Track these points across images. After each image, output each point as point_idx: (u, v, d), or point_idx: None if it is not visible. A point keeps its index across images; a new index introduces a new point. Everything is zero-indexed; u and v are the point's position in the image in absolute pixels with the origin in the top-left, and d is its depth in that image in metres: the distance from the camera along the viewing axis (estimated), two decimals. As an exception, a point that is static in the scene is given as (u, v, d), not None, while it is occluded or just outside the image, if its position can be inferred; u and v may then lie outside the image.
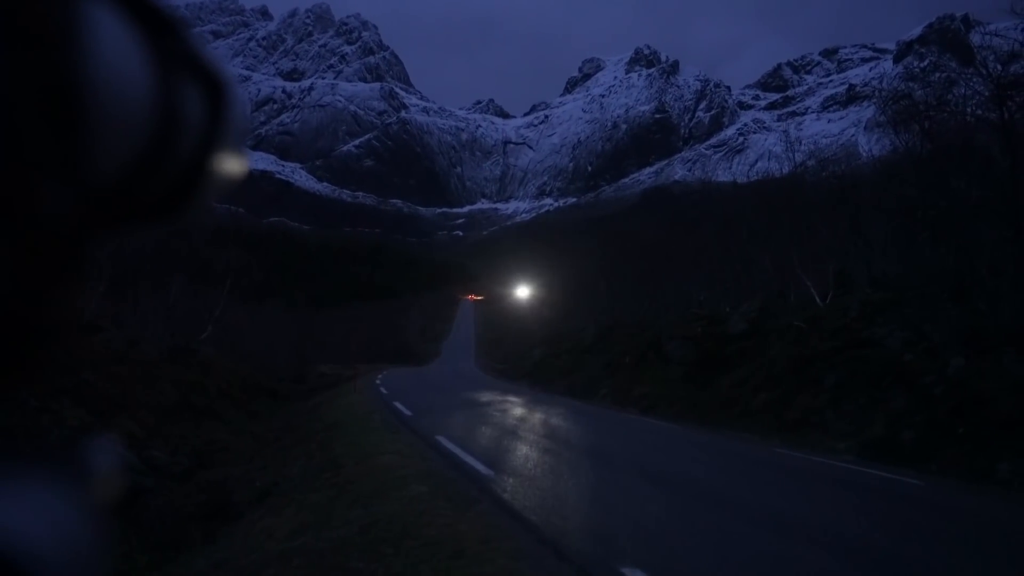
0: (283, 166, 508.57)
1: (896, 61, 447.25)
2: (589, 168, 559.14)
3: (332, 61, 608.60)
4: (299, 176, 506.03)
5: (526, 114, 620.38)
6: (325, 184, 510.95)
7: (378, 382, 32.56)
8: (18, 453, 0.34)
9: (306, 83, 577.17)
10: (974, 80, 16.57)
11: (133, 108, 0.37)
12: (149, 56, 0.39)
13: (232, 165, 0.46)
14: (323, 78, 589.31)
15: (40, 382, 0.34)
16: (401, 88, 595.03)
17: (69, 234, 0.33)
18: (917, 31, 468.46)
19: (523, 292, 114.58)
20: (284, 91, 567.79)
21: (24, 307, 0.32)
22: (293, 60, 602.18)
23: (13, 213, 0.30)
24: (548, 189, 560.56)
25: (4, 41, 0.30)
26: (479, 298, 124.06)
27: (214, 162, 0.44)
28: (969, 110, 17.00)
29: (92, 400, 13.08)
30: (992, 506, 8.68)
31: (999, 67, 15.81)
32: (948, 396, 11.99)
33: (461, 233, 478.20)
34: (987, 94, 15.72)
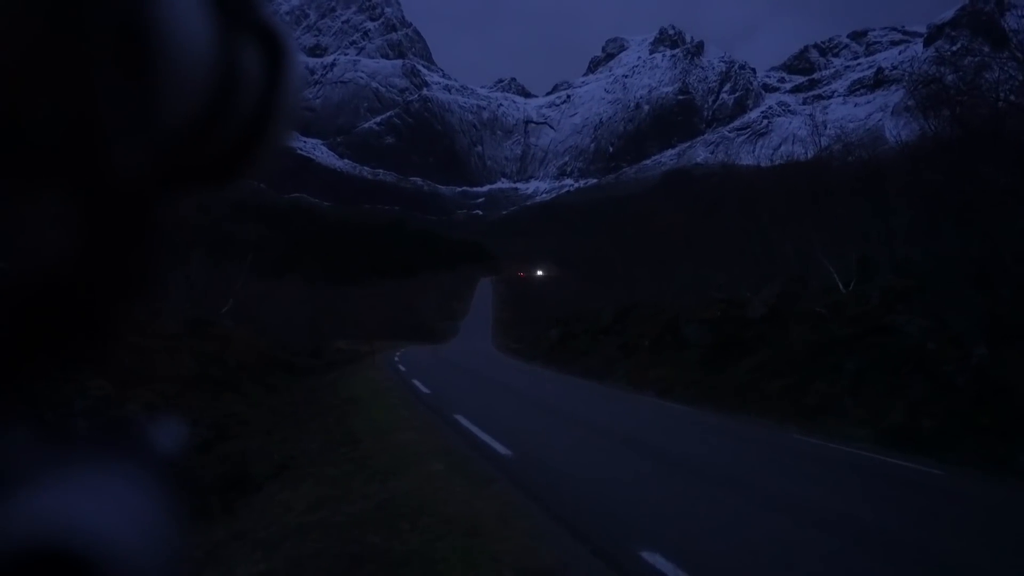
0: (304, 142, 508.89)
1: (926, 44, 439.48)
2: (610, 149, 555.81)
3: (355, 37, 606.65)
4: (320, 152, 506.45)
5: (548, 93, 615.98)
6: (346, 161, 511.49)
7: (396, 359, 32.73)
8: (78, 437, 0.33)
9: (328, 59, 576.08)
10: (1007, 65, 16.24)
11: (197, 62, 0.36)
12: (213, 10, 0.38)
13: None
14: (345, 54, 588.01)
15: (115, 348, 0.33)
16: (423, 65, 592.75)
17: (139, 190, 0.32)
18: (949, 14, 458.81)
19: (541, 272, 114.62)
20: (307, 67, 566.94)
21: (99, 269, 0.31)
22: (316, 36, 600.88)
23: (87, 161, 0.29)
24: (569, 169, 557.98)
25: None
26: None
27: (271, 123, 0.43)
28: (1001, 95, 16.68)
29: (114, 370, 13.23)
30: (1012, 496, 8.61)
31: (1033, 51, 15.50)
32: (970, 385, 11.88)
33: (481, 212, 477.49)
34: (1020, 79, 15.42)
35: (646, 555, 5.46)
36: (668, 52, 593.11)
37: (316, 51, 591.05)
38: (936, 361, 12.97)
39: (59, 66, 0.29)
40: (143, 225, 0.33)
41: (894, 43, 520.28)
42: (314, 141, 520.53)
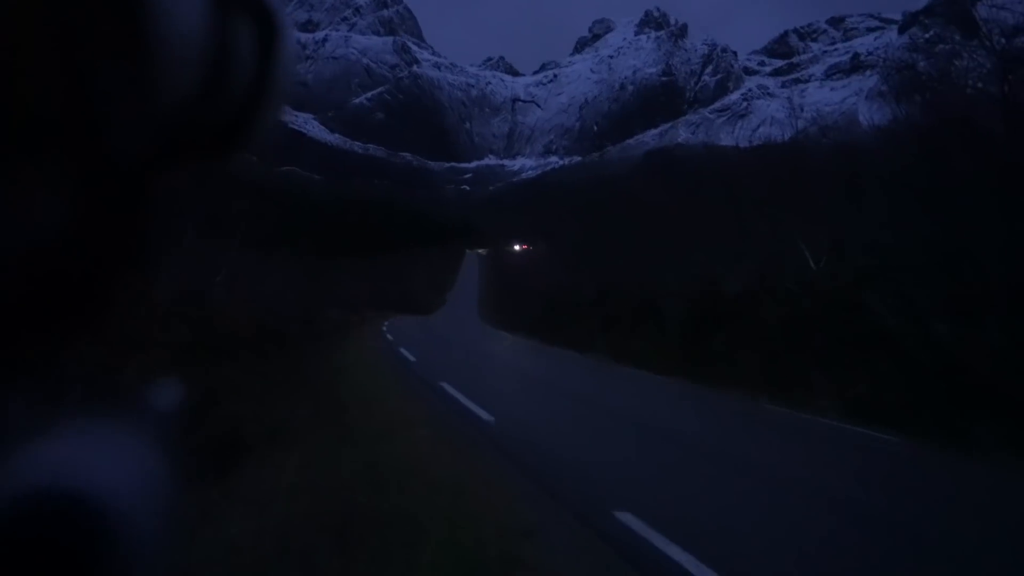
0: (296, 116, 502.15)
1: (901, 32, 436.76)
2: (595, 128, 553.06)
3: (346, 13, 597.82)
4: (312, 127, 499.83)
5: (535, 72, 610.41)
6: (337, 135, 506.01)
7: (384, 329, 33.02)
8: (75, 398, 0.34)
9: (320, 35, 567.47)
10: (977, 53, 16.68)
11: (190, 39, 0.36)
12: None
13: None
14: (337, 30, 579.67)
15: (106, 329, 0.33)
16: (414, 43, 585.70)
17: (136, 166, 0.32)
18: (924, 2, 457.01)
19: (526, 248, 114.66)
20: (299, 42, 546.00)
21: (97, 242, 0.31)
22: (308, 11, 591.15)
23: (84, 140, 0.29)
24: (554, 147, 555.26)
25: None
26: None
27: (265, 99, 0.43)
28: (971, 83, 17.13)
29: (108, 337, 13.49)
30: (965, 465, 9.01)
31: (1003, 40, 15.92)
32: (930, 361, 12.40)
33: (468, 188, 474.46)
34: (989, 67, 15.87)
35: (619, 515, 5.72)
36: (653, 34, 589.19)
37: (308, 26, 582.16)
38: (900, 338, 13.49)
39: (56, 48, 0.28)
40: (140, 199, 0.32)
41: (870, 29, 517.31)
42: (306, 116, 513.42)
